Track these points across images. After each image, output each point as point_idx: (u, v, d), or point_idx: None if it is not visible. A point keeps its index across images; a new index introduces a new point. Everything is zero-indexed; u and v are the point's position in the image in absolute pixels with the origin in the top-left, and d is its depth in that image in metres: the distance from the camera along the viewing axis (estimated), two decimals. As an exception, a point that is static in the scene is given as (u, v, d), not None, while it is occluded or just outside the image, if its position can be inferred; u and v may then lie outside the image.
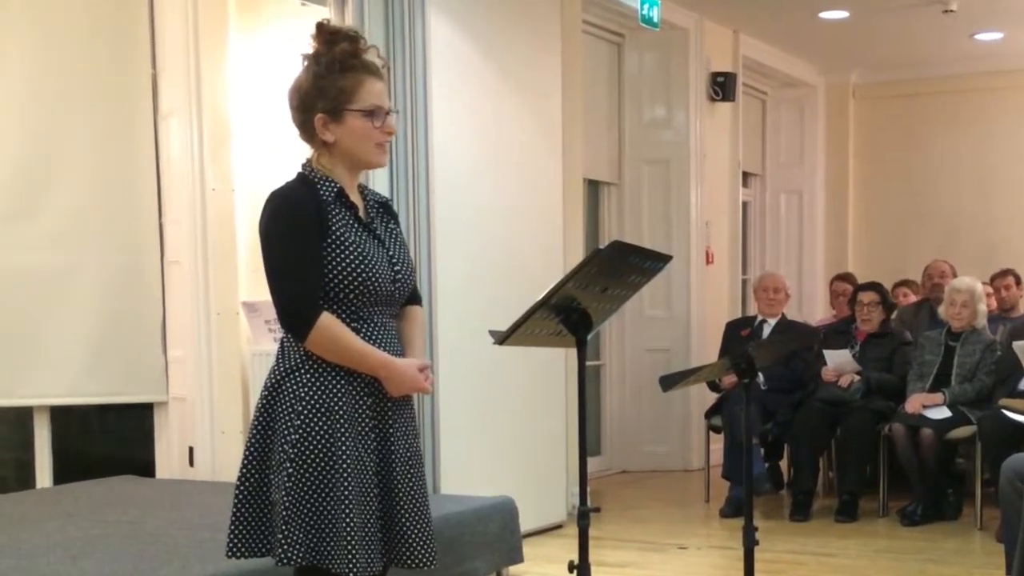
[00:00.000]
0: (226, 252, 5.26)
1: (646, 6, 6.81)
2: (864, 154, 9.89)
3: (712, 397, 6.92)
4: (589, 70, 7.15)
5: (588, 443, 2.99)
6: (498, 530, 4.37)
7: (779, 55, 9.07)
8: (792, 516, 6.25)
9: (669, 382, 3.55)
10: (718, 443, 6.71)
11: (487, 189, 5.55)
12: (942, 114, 9.55)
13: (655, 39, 7.64)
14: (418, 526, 2.59)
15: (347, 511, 2.46)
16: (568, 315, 2.83)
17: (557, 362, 5.74)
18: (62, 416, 5.32)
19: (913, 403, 6.08)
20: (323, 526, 2.45)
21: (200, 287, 5.19)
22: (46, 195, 5.07)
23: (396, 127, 2.65)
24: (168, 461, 5.37)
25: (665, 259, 2.92)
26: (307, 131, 2.59)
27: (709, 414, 6.83)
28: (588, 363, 3.19)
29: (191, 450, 5.24)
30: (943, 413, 6.01)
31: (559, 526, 5.88)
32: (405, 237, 5.25)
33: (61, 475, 5.21)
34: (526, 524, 4.70)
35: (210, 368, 5.20)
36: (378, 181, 5.14)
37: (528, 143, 5.80)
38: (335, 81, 2.53)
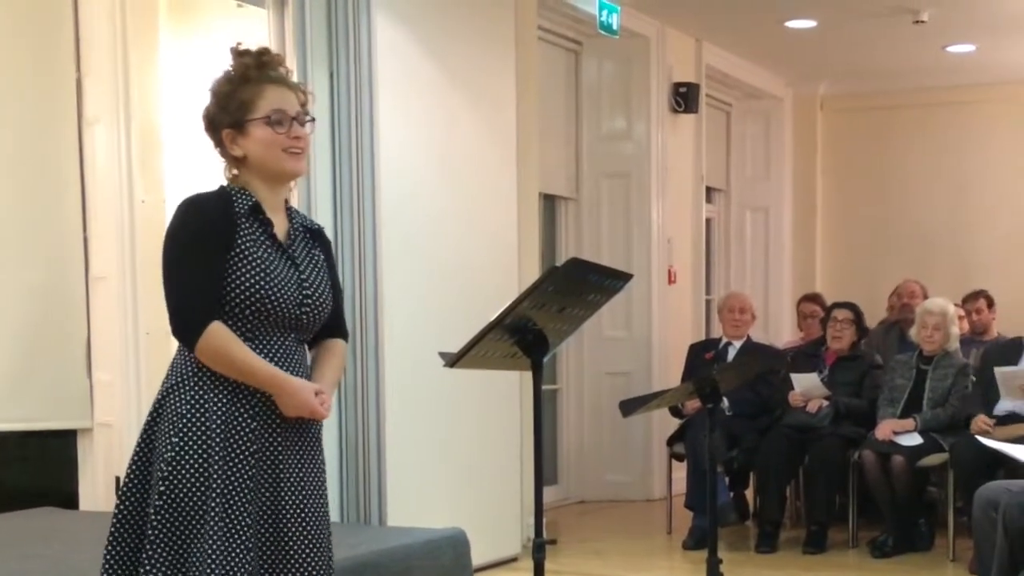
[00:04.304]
0: (156, 268, 5.16)
1: (605, 12, 6.85)
2: (832, 169, 9.99)
3: (674, 423, 6.94)
4: (545, 78, 7.17)
5: (544, 472, 2.98)
6: (449, 564, 4.35)
7: (744, 65, 9.16)
8: (758, 548, 6.28)
9: (629, 407, 3.56)
10: (681, 471, 6.72)
11: (437, 203, 5.54)
12: (913, 128, 9.68)
13: (614, 47, 7.68)
14: (311, 562, 2.62)
15: (213, 537, 2.49)
16: (523, 336, 2.83)
17: (511, 386, 5.73)
18: (-23, 444, 5.22)
19: (883, 429, 6.13)
20: (188, 550, 2.50)
21: (128, 305, 5.13)
22: (-40, 206, 4.98)
23: (309, 134, 2.71)
24: (93, 492, 5.29)
25: (625, 277, 2.93)
26: (221, 149, 2.70)
27: (671, 441, 6.85)
28: (544, 387, 3.19)
29: (118, 480, 5.15)
30: (914, 440, 6.07)
31: (513, 559, 5.86)
32: (352, 256, 5.26)
33: (-24, 508, 5.11)
34: (479, 557, 4.67)
35: (139, 392, 5.13)
36: (321, 195, 5.12)
37: (481, 155, 5.80)
38: (234, 95, 2.64)
